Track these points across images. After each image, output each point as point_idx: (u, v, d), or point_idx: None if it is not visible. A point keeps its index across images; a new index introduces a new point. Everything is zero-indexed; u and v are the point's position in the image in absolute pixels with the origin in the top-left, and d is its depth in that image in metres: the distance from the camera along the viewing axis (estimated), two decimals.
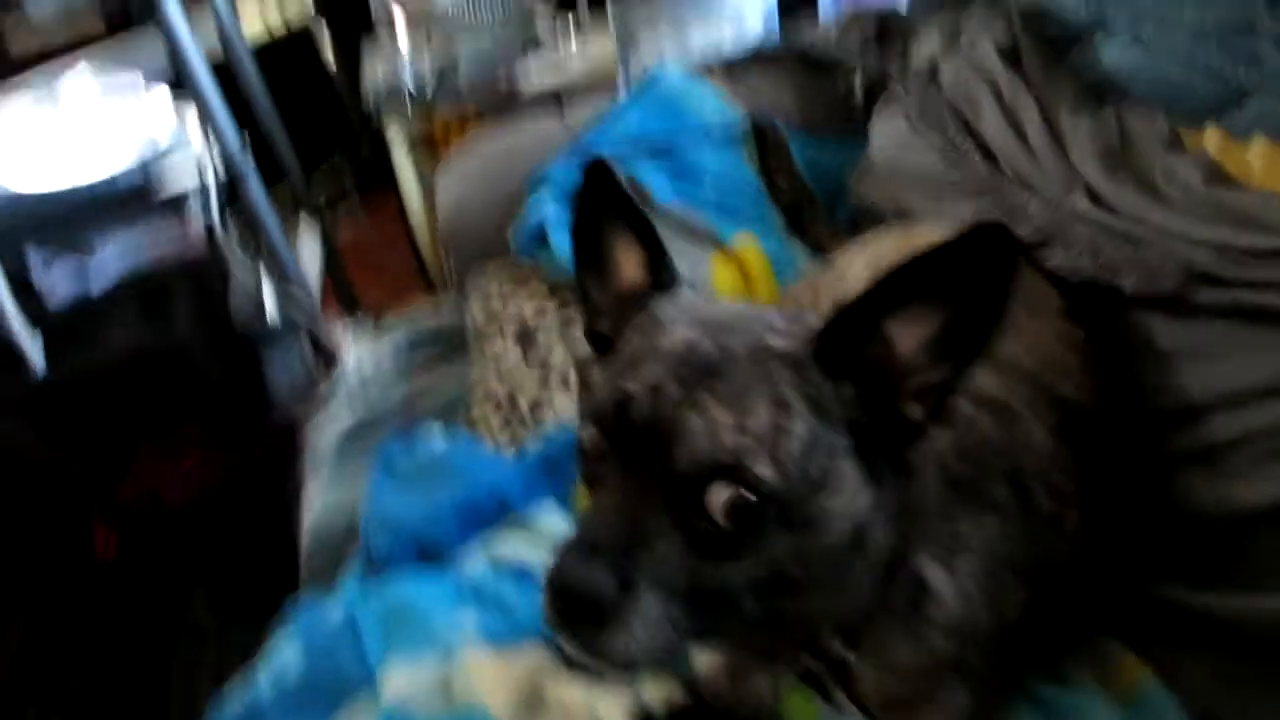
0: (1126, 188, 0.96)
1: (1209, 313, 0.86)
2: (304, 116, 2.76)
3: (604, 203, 0.65)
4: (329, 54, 3.14)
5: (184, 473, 2.08)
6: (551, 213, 1.30)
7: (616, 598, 0.53)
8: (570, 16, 2.28)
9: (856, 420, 0.57)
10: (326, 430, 1.39)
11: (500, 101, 2.14)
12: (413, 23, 2.28)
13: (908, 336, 0.56)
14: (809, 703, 0.79)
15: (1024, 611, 0.71)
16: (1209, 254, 0.84)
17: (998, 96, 1.15)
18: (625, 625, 0.53)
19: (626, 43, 2.12)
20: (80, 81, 2.06)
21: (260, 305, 2.37)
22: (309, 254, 2.60)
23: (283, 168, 2.52)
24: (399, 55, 2.28)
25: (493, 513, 1.05)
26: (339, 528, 1.18)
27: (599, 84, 2.05)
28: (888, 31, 1.42)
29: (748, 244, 1.28)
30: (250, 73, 2.33)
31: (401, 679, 0.86)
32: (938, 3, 1.41)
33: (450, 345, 1.48)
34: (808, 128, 1.45)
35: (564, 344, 1.21)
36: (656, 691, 0.86)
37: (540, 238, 1.32)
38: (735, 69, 1.50)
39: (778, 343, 0.58)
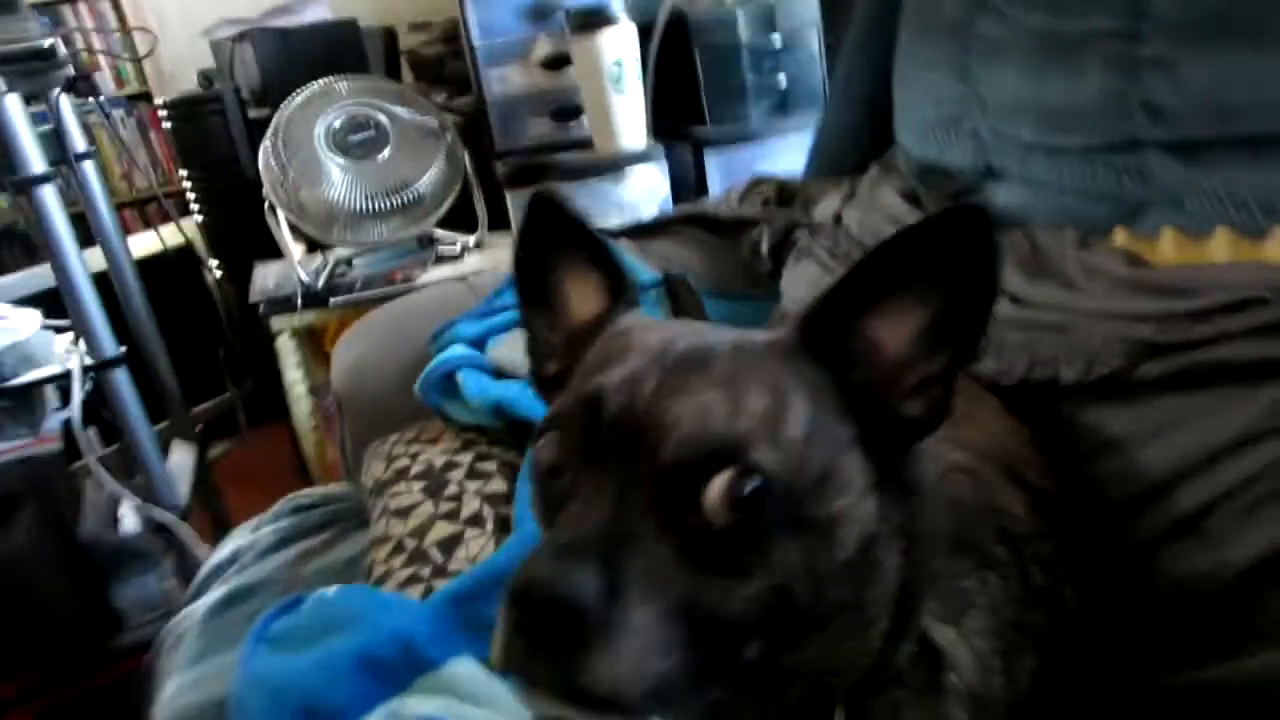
0: (1049, 285, 0.97)
1: (1156, 388, 0.84)
2: (188, 341, 2.69)
3: (551, 234, 0.61)
4: (212, 274, 3.09)
5: None
6: (461, 357, 1.23)
7: (600, 607, 0.43)
8: (472, 238, 2.33)
9: (856, 411, 0.51)
10: (185, 618, 1.20)
11: (397, 295, 2.12)
12: (311, 228, 2.27)
13: (894, 329, 0.52)
14: None
15: (1035, 682, 0.63)
16: (1151, 326, 0.83)
17: None
18: (611, 643, 0.43)
19: None
20: None
21: (116, 522, 2.20)
22: (180, 474, 2.45)
23: (158, 384, 2.40)
24: (290, 255, 2.25)
25: (399, 665, 0.88)
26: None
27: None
28: (788, 194, 1.48)
29: None
30: (130, 281, 2.26)
31: None
32: (833, 169, 1.49)
33: (342, 523, 1.35)
34: (717, 290, 1.46)
35: (477, 488, 1.10)
36: None
37: (447, 388, 1.24)
38: (642, 235, 1.52)
39: (759, 339, 0.53)
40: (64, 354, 2.00)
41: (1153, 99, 0.97)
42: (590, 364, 0.55)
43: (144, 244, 2.88)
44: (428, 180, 2.13)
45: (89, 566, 1.99)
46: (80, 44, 2.89)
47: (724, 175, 2.22)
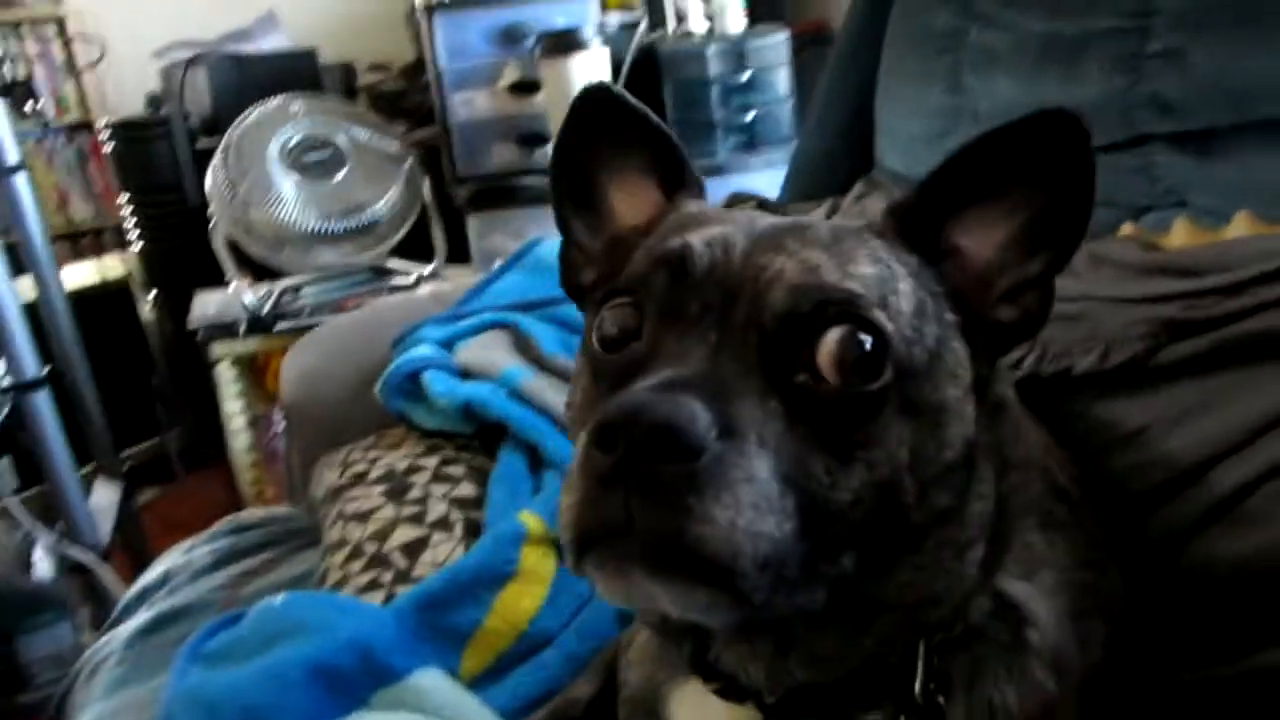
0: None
1: (1178, 373, 0.79)
2: (122, 379, 2.56)
3: (598, 132, 0.56)
4: (148, 306, 2.94)
5: None
6: (429, 357, 1.14)
7: (717, 443, 0.37)
8: (428, 268, 2.25)
9: (955, 302, 0.48)
10: (106, 644, 1.08)
11: None
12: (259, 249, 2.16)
13: (985, 231, 0.49)
14: None
15: (1106, 654, 0.58)
16: (1177, 305, 0.79)
17: None
18: (729, 488, 0.37)
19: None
20: None
21: (29, 566, 2.05)
22: (103, 514, 2.30)
23: (85, 420, 2.26)
24: (233, 277, 2.14)
25: (357, 675, 0.78)
26: None
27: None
28: (768, 210, 1.43)
29: None
30: (60, 310, 2.14)
31: None
32: (809, 195, 1.46)
33: (287, 543, 1.24)
34: None
35: (444, 492, 1.01)
36: None
37: (411, 391, 1.15)
38: None
39: (851, 222, 0.50)
40: None
41: (1161, 92, 0.95)
42: (658, 238, 0.50)
43: (78, 277, 2.75)
44: (384, 205, 2.05)
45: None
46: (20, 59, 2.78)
47: None
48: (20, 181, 1.98)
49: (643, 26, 2.24)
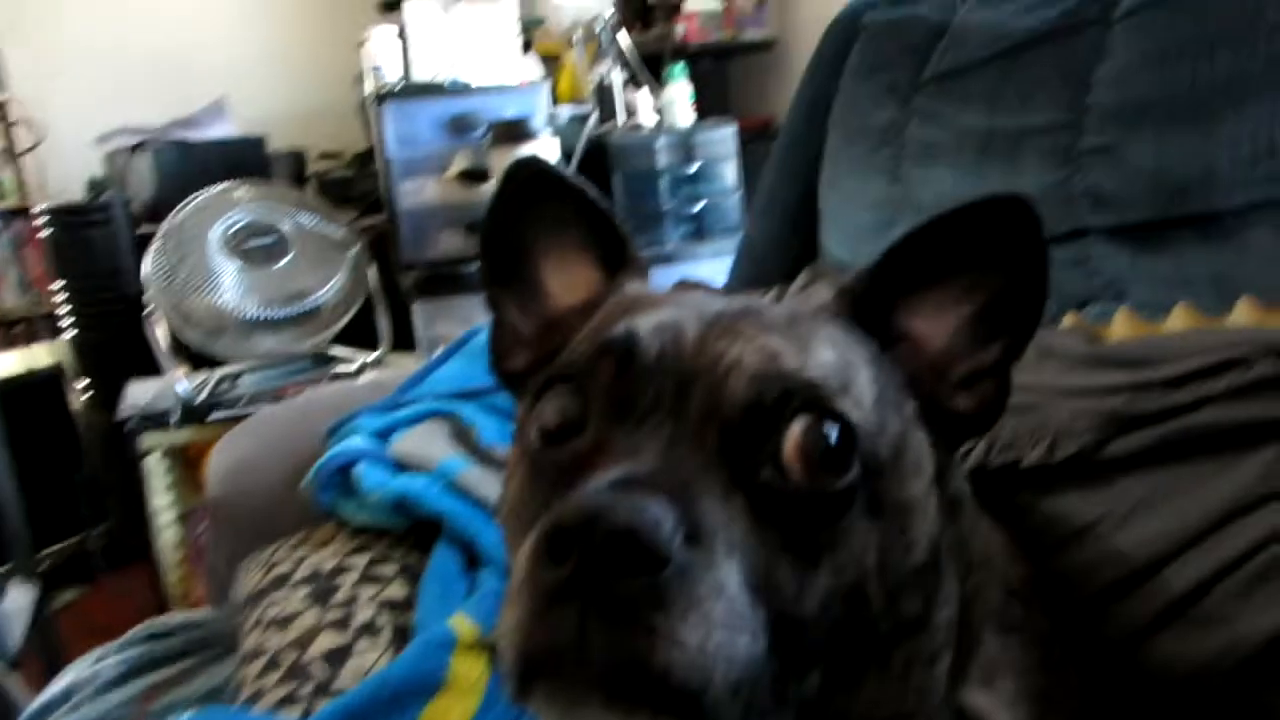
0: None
1: (1127, 466, 0.78)
2: (46, 473, 2.46)
3: (530, 208, 0.53)
4: (78, 397, 2.84)
5: None
6: (362, 448, 1.09)
7: (684, 552, 0.33)
8: (371, 356, 2.21)
9: (912, 390, 0.46)
10: None
11: None
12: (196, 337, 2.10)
13: (937, 316, 0.48)
14: None
15: None
16: (1123, 398, 0.78)
17: None
18: (698, 604, 0.33)
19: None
20: None
21: None
22: (15, 617, 2.17)
23: (1, 515, 2.15)
24: (167, 364, 2.07)
25: None
26: None
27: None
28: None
29: None
30: None
31: None
32: (756, 280, 1.45)
33: (206, 651, 1.16)
34: None
35: (372, 594, 0.95)
36: None
37: (343, 485, 1.10)
38: None
39: (805, 305, 0.48)
40: None
41: (1096, 186, 0.97)
42: (601, 322, 0.47)
43: (4, 365, 2.66)
44: (328, 291, 2.02)
45: None
46: None
47: None
48: None
49: (593, 119, 2.28)
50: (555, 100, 2.35)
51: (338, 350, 2.16)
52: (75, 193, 2.91)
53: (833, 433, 0.40)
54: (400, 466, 1.07)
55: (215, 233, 1.94)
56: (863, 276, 0.49)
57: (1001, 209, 0.45)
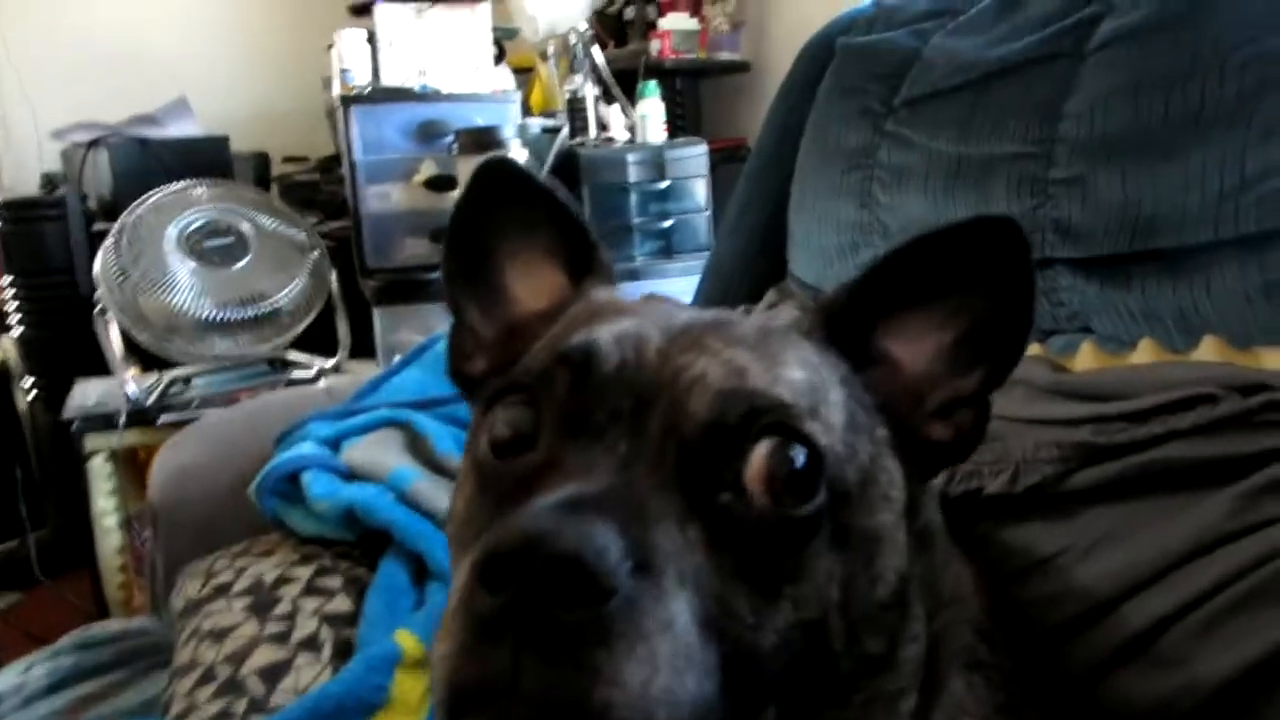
0: None
1: (1090, 499, 0.77)
2: None
3: (497, 210, 0.52)
4: (25, 395, 2.76)
5: None
6: (310, 456, 1.06)
7: (631, 582, 0.31)
8: (330, 362, 2.17)
9: (885, 415, 0.44)
10: None
11: None
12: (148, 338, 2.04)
13: (916, 341, 0.47)
14: None
15: None
16: (1088, 429, 0.78)
17: None
18: (646, 639, 0.31)
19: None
20: None
21: None
22: None
23: None
24: (116, 365, 2.02)
25: None
26: None
27: None
28: None
29: None
30: None
31: None
32: (724, 298, 1.44)
33: (141, 661, 1.12)
34: None
35: (315, 607, 0.91)
36: None
37: (289, 494, 1.06)
38: None
39: (776, 322, 0.47)
40: None
41: (1063, 218, 0.97)
42: (561, 330, 0.45)
43: None
44: (287, 295, 1.97)
45: None
46: None
47: None
48: None
49: (564, 132, 2.26)
50: (527, 112, 2.34)
51: (295, 355, 2.11)
52: (30, 187, 2.83)
53: (799, 456, 0.38)
54: (351, 475, 1.04)
55: (172, 231, 1.89)
56: (840, 294, 0.47)
57: (989, 231, 0.44)
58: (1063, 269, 0.98)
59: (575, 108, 2.38)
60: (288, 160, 3.16)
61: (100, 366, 2.08)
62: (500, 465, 0.41)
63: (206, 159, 2.53)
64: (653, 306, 0.48)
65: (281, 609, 0.91)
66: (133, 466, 2.12)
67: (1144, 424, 0.75)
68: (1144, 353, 0.86)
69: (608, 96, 2.43)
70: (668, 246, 2.19)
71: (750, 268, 1.51)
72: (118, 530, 2.11)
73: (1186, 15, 0.89)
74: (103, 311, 1.97)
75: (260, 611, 0.91)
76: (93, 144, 2.52)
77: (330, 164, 2.91)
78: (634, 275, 2.09)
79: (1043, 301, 1.00)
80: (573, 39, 2.38)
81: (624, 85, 2.46)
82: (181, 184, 1.99)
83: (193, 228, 1.92)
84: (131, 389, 1.99)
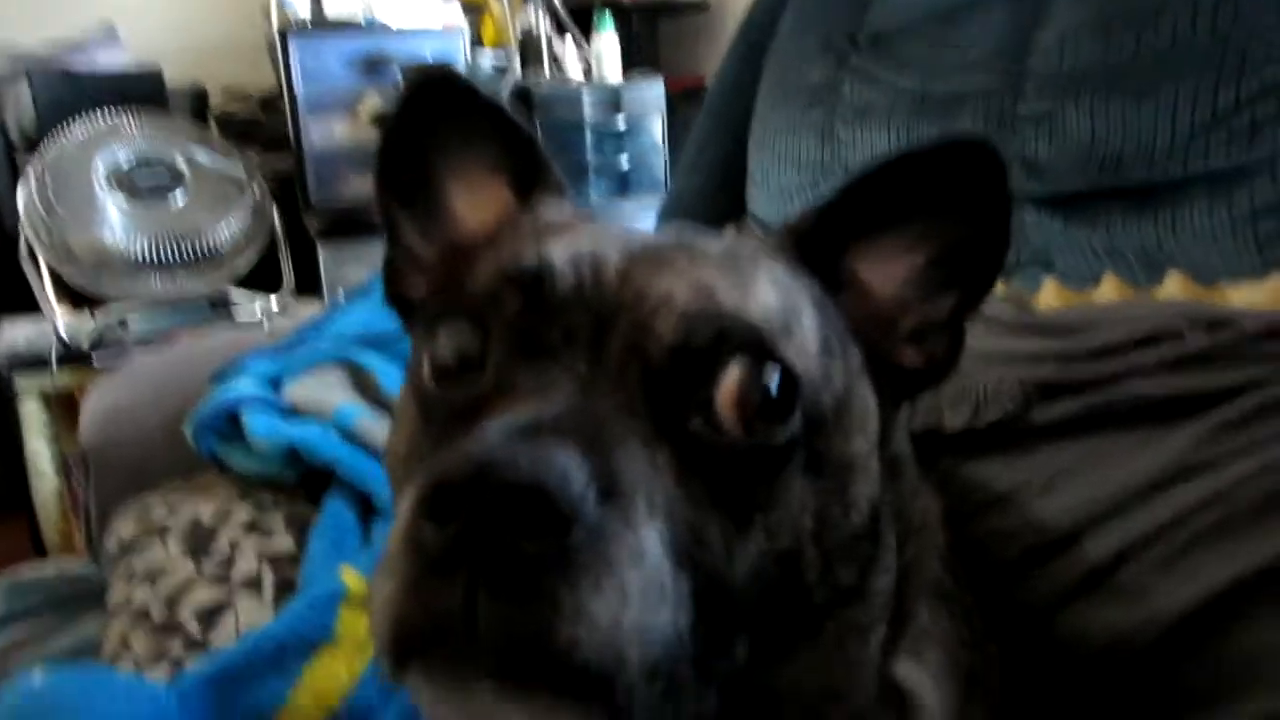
0: None
1: (1051, 434, 0.77)
2: None
3: (436, 123, 0.47)
4: None
5: None
6: (248, 392, 1.01)
7: (596, 511, 0.28)
8: (273, 298, 2.10)
9: (856, 335, 0.43)
10: None
11: None
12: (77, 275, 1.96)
13: (887, 264, 0.45)
14: None
15: None
16: (1051, 366, 0.77)
17: None
18: (614, 570, 0.28)
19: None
20: None
21: None
22: None
23: None
24: (47, 305, 1.93)
25: None
26: None
27: None
28: None
29: None
30: None
31: None
32: None
33: (73, 605, 1.07)
34: None
35: (256, 546, 0.88)
36: None
37: (228, 432, 1.02)
38: None
39: (744, 242, 0.44)
40: None
41: (1030, 154, 0.95)
42: (509, 246, 0.41)
43: None
44: (226, 231, 1.90)
45: None
46: None
47: None
48: None
49: (515, 66, 2.19)
50: (477, 43, 2.26)
51: (236, 294, 2.04)
52: None
53: (773, 380, 0.36)
54: (293, 413, 1.00)
55: (100, 165, 1.80)
56: (811, 215, 0.45)
57: (965, 153, 0.42)
58: (1028, 205, 0.97)
59: (527, 44, 2.31)
60: (227, 93, 3.03)
61: (29, 304, 1.99)
62: (444, 392, 0.39)
63: (139, 92, 2.40)
64: (609, 225, 0.46)
65: (220, 548, 0.87)
66: (70, 409, 2.05)
67: (1107, 360, 0.74)
68: (1107, 288, 0.85)
69: (560, 32, 2.36)
70: (624, 186, 2.14)
71: (709, 205, 1.48)
72: (54, 474, 2.04)
73: None
74: (30, 247, 1.88)
75: (197, 551, 0.87)
76: (10, 76, 2.38)
77: (274, 99, 2.80)
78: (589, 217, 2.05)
79: None
80: None
81: (579, 24, 2.39)
82: (109, 116, 1.89)
83: (123, 162, 1.83)
84: (64, 328, 1.90)
